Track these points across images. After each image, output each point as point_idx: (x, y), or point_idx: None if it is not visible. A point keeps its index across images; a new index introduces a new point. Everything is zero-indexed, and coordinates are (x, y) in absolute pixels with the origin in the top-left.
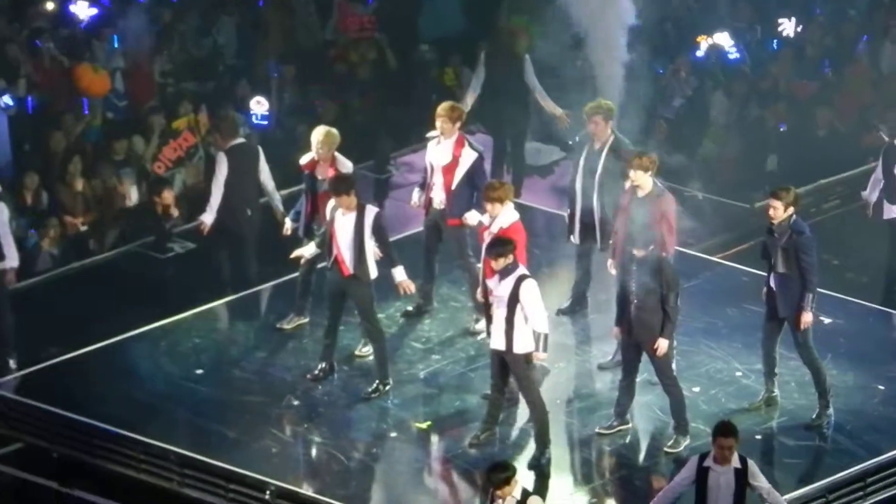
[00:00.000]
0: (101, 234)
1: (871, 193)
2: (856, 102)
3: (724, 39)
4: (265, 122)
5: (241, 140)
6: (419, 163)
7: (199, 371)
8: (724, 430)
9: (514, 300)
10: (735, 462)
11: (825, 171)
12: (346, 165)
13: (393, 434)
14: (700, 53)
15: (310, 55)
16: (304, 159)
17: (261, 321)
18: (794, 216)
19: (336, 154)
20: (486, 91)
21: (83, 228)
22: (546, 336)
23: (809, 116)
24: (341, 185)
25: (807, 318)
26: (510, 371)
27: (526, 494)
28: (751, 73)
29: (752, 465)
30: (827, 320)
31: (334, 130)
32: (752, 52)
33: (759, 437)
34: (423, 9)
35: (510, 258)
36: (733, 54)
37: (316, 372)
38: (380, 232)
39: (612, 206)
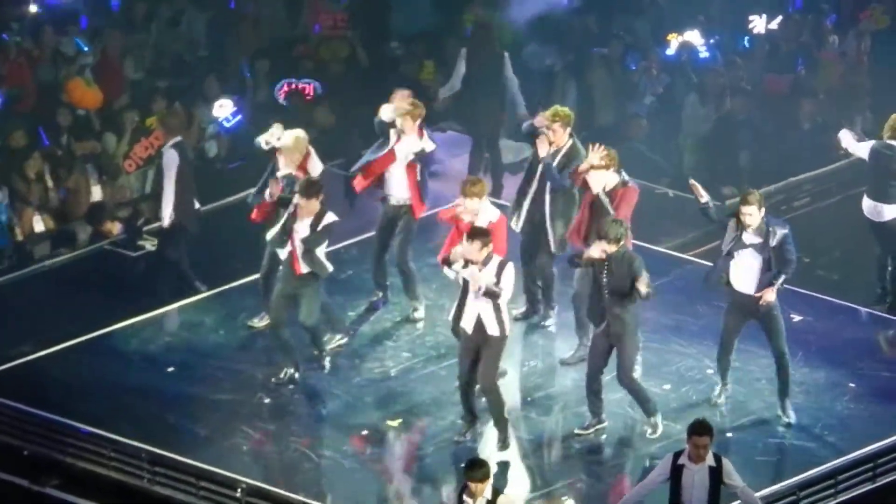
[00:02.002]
0: (71, 232)
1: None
2: (830, 96)
3: (694, 38)
4: (238, 119)
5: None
6: None
7: (170, 369)
8: (699, 428)
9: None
10: (710, 460)
11: (795, 168)
12: (317, 168)
13: (364, 432)
14: (671, 52)
15: (280, 52)
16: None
17: (232, 319)
18: (766, 214)
19: (311, 151)
20: (464, 88)
21: (48, 227)
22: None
23: (780, 113)
24: (310, 189)
25: (769, 296)
26: (482, 358)
27: (496, 494)
28: (722, 71)
29: (727, 464)
30: (797, 318)
31: (303, 135)
32: (723, 50)
33: (729, 434)
34: (394, 6)
35: (490, 247)
36: (704, 53)
37: (281, 376)
38: (322, 232)
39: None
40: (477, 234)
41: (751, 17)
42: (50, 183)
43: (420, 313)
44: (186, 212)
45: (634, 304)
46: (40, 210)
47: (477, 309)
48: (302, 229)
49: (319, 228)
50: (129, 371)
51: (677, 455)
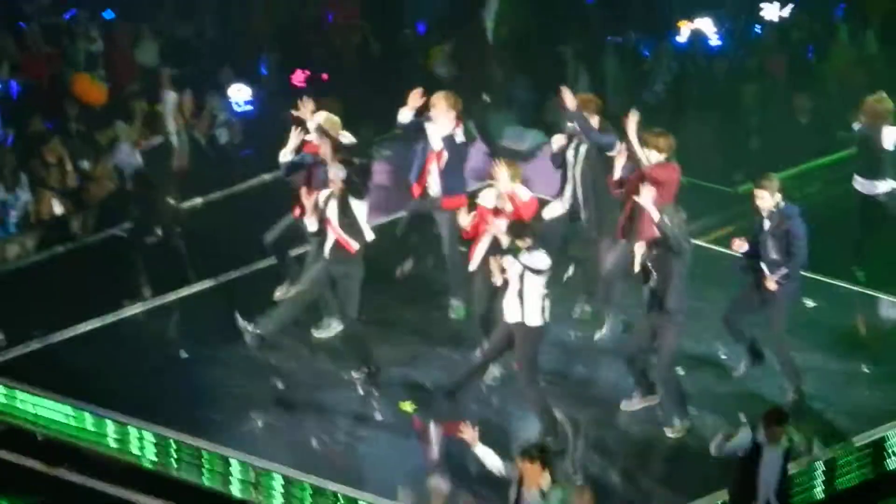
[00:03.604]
0: (85, 217)
1: None
2: (840, 84)
3: (706, 25)
4: (250, 107)
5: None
6: (400, 148)
7: (184, 354)
8: (781, 417)
9: (524, 273)
10: (784, 441)
11: (807, 154)
12: (348, 137)
13: (378, 416)
14: (681, 39)
15: (292, 40)
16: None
17: (245, 304)
18: (782, 201)
19: (342, 135)
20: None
21: (61, 212)
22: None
23: (790, 98)
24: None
25: (770, 285)
26: (513, 346)
27: (554, 484)
28: (733, 58)
29: (796, 440)
30: (811, 304)
31: (335, 118)
32: (735, 37)
33: (741, 415)
34: None
35: (529, 241)
36: (714, 41)
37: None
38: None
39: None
40: (517, 228)
41: (762, 5)
42: (69, 167)
43: (456, 310)
44: (151, 210)
45: (678, 293)
46: (59, 194)
47: (513, 297)
48: (332, 214)
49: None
50: (143, 356)
51: (754, 431)
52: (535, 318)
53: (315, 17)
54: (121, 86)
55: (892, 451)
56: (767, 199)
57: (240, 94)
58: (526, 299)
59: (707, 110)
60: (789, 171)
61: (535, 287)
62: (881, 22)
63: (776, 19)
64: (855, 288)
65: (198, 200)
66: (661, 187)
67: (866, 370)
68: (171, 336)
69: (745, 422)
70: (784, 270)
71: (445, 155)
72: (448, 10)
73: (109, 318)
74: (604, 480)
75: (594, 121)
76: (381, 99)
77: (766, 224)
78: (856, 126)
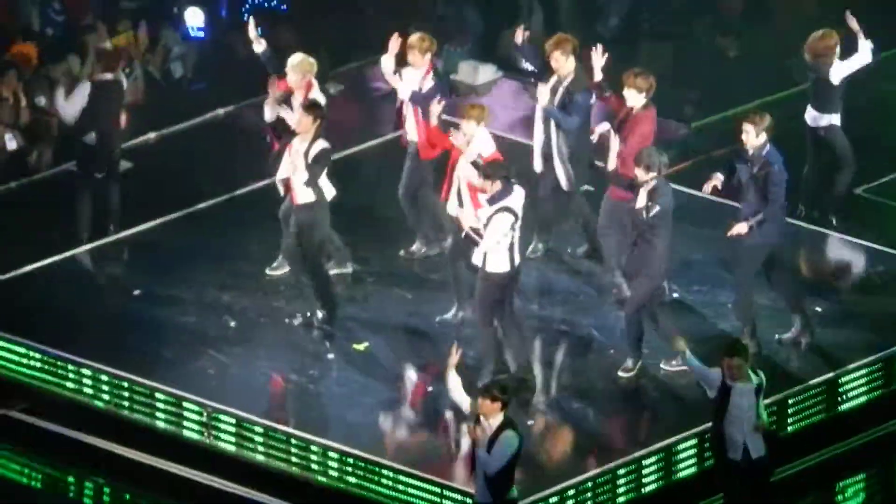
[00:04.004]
0: (39, 153)
1: None
2: (798, 17)
3: None
4: (202, 34)
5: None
6: (359, 81)
7: (137, 292)
8: (728, 350)
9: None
10: (755, 380)
11: (763, 90)
12: (320, 98)
13: (330, 356)
14: None
15: None
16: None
17: (199, 241)
18: (769, 144)
19: (314, 82)
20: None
21: (13, 146)
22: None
23: (747, 32)
24: (311, 109)
25: (740, 228)
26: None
27: (505, 426)
28: None
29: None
30: None
31: (310, 60)
32: None
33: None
34: None
35: (498, 185)
36: None
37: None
38: (316, 162)
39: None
40: (485, 167)
41: None
42: (24, 102)
43: (417, 249)
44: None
45: (660, 242)
46: (12, 129)
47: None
48: (297, 155)
49: (312, 158)
50: (95, 294)
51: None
52: (497, 265)
53: None
54: (77, 18)
55: (846, 393)
56: (751, 136)
57: (195, 18)
58: (489, 244)
59: (662, 44)
60: (745, 105)
61: (499, 233)
62: None
63: None
64: (807, 226)
65: (151, 135)
66: (642, 132)
67: (818, 309)
68: (124, 273)
69: (688, 354)
70: (759, 217)
71: (421, 103)
72: None
73: (61, 255)
74: (561, 422)
75: (570, 62)
76: (336, 30)
77: (748, 164)
78: (808, 57)
